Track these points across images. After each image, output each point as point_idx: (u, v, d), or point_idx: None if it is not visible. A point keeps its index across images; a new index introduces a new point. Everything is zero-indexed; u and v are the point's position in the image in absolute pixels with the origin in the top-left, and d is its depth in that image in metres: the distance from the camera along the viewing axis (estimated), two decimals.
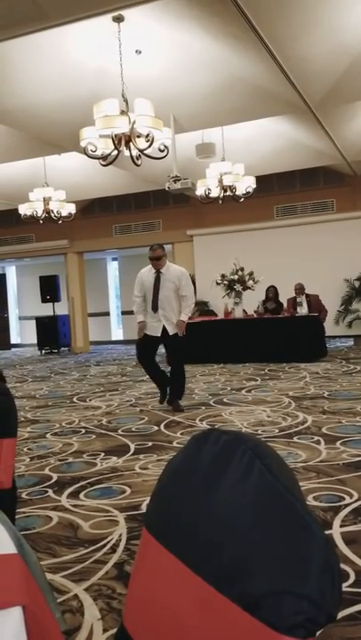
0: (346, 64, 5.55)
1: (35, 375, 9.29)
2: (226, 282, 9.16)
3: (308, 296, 9.59)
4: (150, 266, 5.59)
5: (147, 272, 5.61)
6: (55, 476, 3.61)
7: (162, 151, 5.08)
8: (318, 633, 0.72)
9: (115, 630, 1.80)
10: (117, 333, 15.97)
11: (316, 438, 4.14)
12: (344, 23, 4.87)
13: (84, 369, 9.82)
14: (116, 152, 5.04)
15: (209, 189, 7.69)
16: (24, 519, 2.87)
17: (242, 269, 9.09)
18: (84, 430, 4.91)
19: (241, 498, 0.80)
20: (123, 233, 13.22)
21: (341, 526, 2.55)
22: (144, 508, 2.93)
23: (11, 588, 0.82)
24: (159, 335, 5.45)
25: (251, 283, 9.04)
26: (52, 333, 13.55)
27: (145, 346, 5.57)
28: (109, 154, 5.11)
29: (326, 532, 1.98)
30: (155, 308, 5.42)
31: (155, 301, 5.42)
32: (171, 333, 5.43)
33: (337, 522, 2.60)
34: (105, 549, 2.46)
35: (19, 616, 0.76)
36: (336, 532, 2.50)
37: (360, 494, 2.94)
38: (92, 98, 5.27)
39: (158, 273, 5.49)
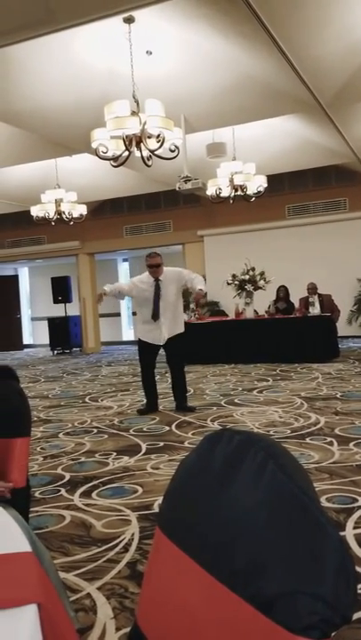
0: (358, 62, 5.51)
1: (47, 375, 9.33)
2: (237, 282, 9.14)
3: (320, 296, 9.54)
4: (145, 274, 5.39)
5: (143, 280, 5.39)
6: (68, 476, 3.62)
7: (172, 151, 5.08)
8: (333, 634, 0.72)
9: (127, 629, 1.81)
10: (128, 334, 16.00)
11: (328, 439, 4.12)
12: (356, 21, 4.85)
13: (96, 369, 9.85)
14: (126, 153, 5.05)
15: (220, 189, 7.68)
16: (37, 518, 2.89)
17: (253, 269, 9.07)
18: (95, 430, 4.93)
19: (254, 498, 0.80)
20: (133, 234, 13.25)
21: (355, 528, 2.54)
22: (156, 508, 2.94)
23: (26, 585, 0.82)
24: (162, 344, 5.40)
25: (262, 283, 9.01)
26: (64, 334, 13.61)
27: (147, 355, 5.50)
28: (120, 155, 5.12)
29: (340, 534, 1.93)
30: (155, 317, 5.31)
31: (155, 310, 5.30)
32: (173, 335, 5.39)
33: (350, 523, 2.59)
34: (117, 548, 2.47)
35: (34, 614, 0.76)
36: (349, 533, 2.49)
37: None
38: (102, 99, 5.29)
39: (157, 281, 5.33)
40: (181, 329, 5.49)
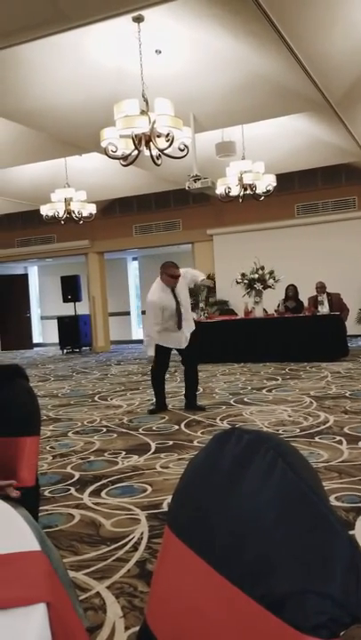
0: None
1: (57, 374, 9.37)
2: (246, 281, 9.12)
3: (329, 295, 9.51)
4: (160, 286, 5.27)
5: (163, 295, 5.23)
6: (77, 475, 3.63)
7: (182, 150, 5.08)
8: (342, 634, 0.72)
9: (136, 628, 1.81)
10: (138, 333, 16.01)
11: (337, 438, 4.10)
12: None
13: (105, 368, 9.88)
14: (136, 152, 5.06)
15: (229, 188, 7.66)
16: (47, 517, 2.90)
17: (262, 268, 9.05)
18: (105, 429, 4.94)
19: (264, 496, 0.80)
20: (143, 233, 13.26)
21: None
22: (165, 507, 2.94)
23: (35, 585, 0.83)
24: (183, 347, 5.42)
25: (271, 282, 8.99)
26: (74, 333, 13.65)
27: (164, 357, 5.48)
28: (130, 154, 5.13)
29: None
30: (180, 326, 5.31)
31: (179, 320, 5.28)
32: (189, 334, 5.45)
33: (360, 522, 2.57)
34: (127, 547, 2.47)
35: (43, 613, 0.77)
36: (359, 532, 2.47)
37: None
38: (112, 98, 5.29)
39: (174, 290, 5.27)
40: (193, 326, 5.52)
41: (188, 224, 12.67)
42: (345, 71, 5.70)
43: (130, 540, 2.55)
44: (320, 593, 0.69)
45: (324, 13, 4.66)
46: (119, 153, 5.10)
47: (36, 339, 16.82)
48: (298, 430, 4.42)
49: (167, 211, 12.85)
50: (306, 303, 9.65)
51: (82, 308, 14.01)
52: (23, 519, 1.09)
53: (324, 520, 0.73)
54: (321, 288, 9.53)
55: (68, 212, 8.54)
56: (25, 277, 16.46)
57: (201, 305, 11.93)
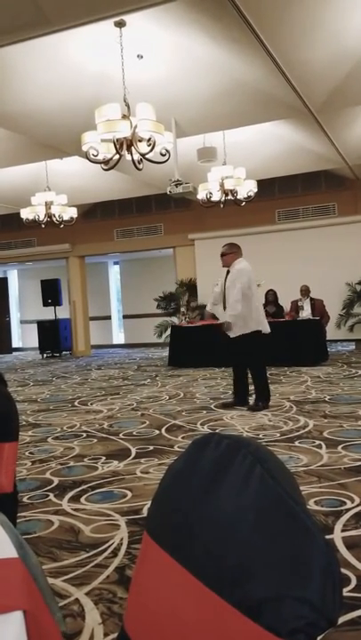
0: (348, 68, 5.56)
1: (36, 379, 9.29)
2: None
3: (313, 300, 9.60)
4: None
5: (225, 271, 5.65)
6: (56, 480, 3.60)
7: (163, 155, 5.09)
8: (319, 638, 0.72)
9: (116, 634, 1.80)
10: (119, 337, 15.97)
11: (317, 442, 4.13)
12: (346, 27, 4.89)
13: (86, 373, 9.82)
14: (117, 156, 5.05)
15: (210, 193, 7.70)
16: (25, 523, 2.87)
17: None
18: (85, 434, 4.91)
19: (242, 502, 0.80)
20: (124, 237, 13.24)
21: (343, 531, 2.55)
22: (145, 512, 2.93)
23: (12, 592, 0.82)
24: (230, 336, 5.52)
25: None
26: (54, 337, 13.55)
27: (226, 347, 5.70)
28: (111, 158, 5.13)
29: (328, 537, 1.96)
30: (224, 307, 5.51)
31: (224, 301, 5.52)
32: (231, 335, 5.51)
33: (338, 526, 2.60)
34: (106, 553, 2.46)
35: (20, 620, 0.76)
36: (337, 536, 2.49)
37: None
38: (93, 102, 5.29)
39: (227, 272, 5.55)
40: (232, 321, 5.55)
41: (170, 228, 12.69)
42: (326, 79, 5.77)
43: (109, 546, 2.53)
44: (297, 598, 0.70)
45: (304, 21, 4.71)
46: (100, 157, 5.10)
47: (16, 343, 16.65)
48: (278, 435, 4.44)
49: (149, 215, 12.86)
50: (286, 308, 9.72)
51: (62, 312, 13.92)
52: (0, 525, 1.08)
53: (301, 525, 0.73)
54: (305, 291, 9.62)
55: (49, 215, 8.49)
56: (4, 281, 16.30)
57: (182, 309, 11.95)
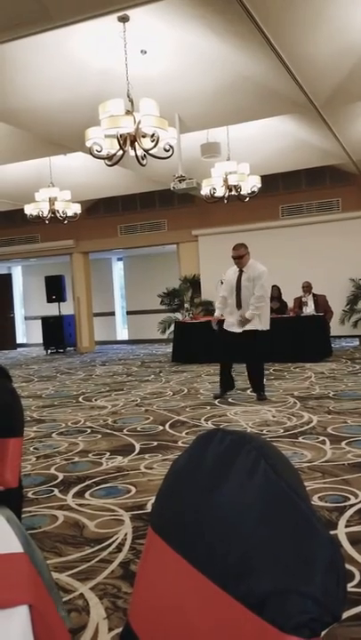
0: (352, 63, 5.53)
1: (41, 375, 9.31)
2: None
3: (315, 296, 9.58)
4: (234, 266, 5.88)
5: (232, 270, 5.88)
6: (61, 476, 3.62)
7: (167, 151, 5.08)
8: (323, 633, 0.72)
9: (120, 629, 1.81)
10: (123, 333, 15.98)
11: (321, 438, 4.13)
12: (350, 22, 4.86)
13: (90, 369, 9.84)
14: (121, 152, 5.05)
15: (214, 189, 7.68)
16: (30, 518, 2.88)
17: None
18: (89, 430, 4.93)
19: (246, 497, 0.80)
20: (128, 233, 13.24)
21: (347, 526, 2.55)
22: (149, 508, 2.94)
23: (17, 587, 0.82)
24: (239, 332, 5.71)
25: None
26: (58, 333, 13.58)
27: (225, 344, 5.85)
28: (115, 154, 5.12)
29: (331, 533, 1.96)
30: (238, 306, 5.72)
31: (238, 299, 5.72)
32: (247, 329, 5.70)
33: (342, 522, 2.60)
34: (110, 548, 2.47)
35: (25, 615, 0.77)
36: (341, 532, 2.50)
37: None
38: (97, 98, 5.28)
39: (241, 271, 5.76)
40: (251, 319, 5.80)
41: (174, 224, 12.68)
42: (330, 74, 5.75)
43: (114, 541, 2.54)
44: (301, 593, 0.70)
45: (309, 16, 4.69)
46: (104, 153, 5.09)
47: (20, 339, 16.69)
48: (282, 430, 4.45)
49: (152, 211, 12.85)
50: (289, 304, 9.70)
51: (66, 309, 13.94)
52: (7, 521, 1.08)
53: (305, 520, 0.74)
54: (307, 288, 9.61)
55: (53, 211, 8.49)
56: (8, 277, 16.33)
57: (186, 305, 11.95)
